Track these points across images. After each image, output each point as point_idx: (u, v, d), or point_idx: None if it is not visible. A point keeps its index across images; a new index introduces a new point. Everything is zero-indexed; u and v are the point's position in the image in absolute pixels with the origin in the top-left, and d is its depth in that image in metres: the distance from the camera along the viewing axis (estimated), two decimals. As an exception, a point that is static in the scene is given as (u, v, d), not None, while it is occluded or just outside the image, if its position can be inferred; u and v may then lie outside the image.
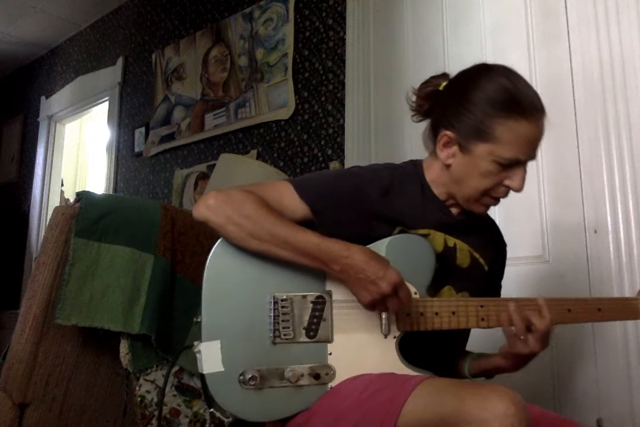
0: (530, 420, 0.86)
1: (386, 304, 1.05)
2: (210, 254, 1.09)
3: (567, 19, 1.92)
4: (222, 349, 1.05)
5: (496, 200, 1.18)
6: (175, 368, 1.52)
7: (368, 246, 1.11)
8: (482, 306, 1.12)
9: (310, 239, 1.05)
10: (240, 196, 1.07)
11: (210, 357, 1.04)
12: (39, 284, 1.42)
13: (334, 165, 2.50)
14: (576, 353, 1.76)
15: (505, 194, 1.17)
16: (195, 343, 1.07)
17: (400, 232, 1.15)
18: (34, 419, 1.40)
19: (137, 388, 1.47)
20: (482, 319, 1.12)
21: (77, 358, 1.48)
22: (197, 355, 1.06)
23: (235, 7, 3.19)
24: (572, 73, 1.88)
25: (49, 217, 1.71)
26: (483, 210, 1.20)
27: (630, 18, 1.78)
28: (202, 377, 1.06)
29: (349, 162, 2.41)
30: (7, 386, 1.38)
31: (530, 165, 1.15)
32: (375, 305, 1.05)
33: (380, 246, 1.13)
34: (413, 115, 1.26)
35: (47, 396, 1.42)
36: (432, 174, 1.21)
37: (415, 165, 1.24)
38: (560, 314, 1.14)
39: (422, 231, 1.17)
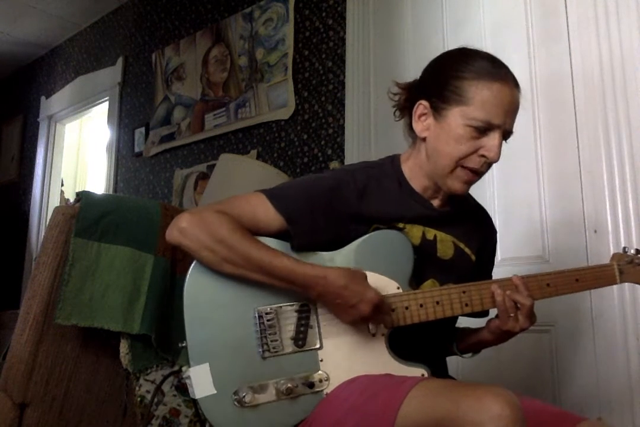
0: (525, 421, 0.86)
1: (368, 323, 1.07)
2: (187, 278, 1.07)
3: (567, 19, 1.92)
4: (212, 371, 1.02)
5: (474, 174, 1.15)
6: (176, 368, 1.52)
7: (345, 248, 1.11)
8: (464, 292, 1.13)
9: (285, 265, 1.03)
10: (213, 219, 1.05)
11: (200, 381, 1.01)
12: (39, 284, 1.42)
13: (333, 165, 2.50)
14: (576, 353, 1.76)
15: (482, 166, 1.13)
16: (184, 369, 1.04)
17: (375, 229, 1.15)
18: (34, 419, 1.40)
19: (137, 388, 1.47)
20: (466, 305, 1.13)
21: (77, 358, 1.47)
22: (187, 381, 1.03)
23: (235, 7, 3.19)
24: (572, 73, 1.88)
25: (49, 217, 1.71)
26: (462, 188, 1.16)
27: (630, 18, 1.77)
28: (195, 402, 1.03)
29: (349, 162, 2.40)
30: (7, 386, 1.38)
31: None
32: (356, 323, 1.08)
33: (355, 246, 1.13)
34: (394, 111, 1.25)
35: (47, 395, 1.42)
36: (410, 164, 1.21)
37: (393, 161, 1.23)
38: (540, 289, 1.15)
39: (396, 225, 1.16)
